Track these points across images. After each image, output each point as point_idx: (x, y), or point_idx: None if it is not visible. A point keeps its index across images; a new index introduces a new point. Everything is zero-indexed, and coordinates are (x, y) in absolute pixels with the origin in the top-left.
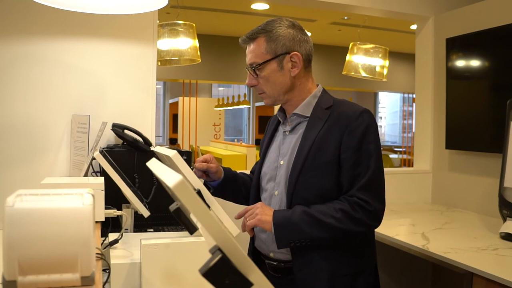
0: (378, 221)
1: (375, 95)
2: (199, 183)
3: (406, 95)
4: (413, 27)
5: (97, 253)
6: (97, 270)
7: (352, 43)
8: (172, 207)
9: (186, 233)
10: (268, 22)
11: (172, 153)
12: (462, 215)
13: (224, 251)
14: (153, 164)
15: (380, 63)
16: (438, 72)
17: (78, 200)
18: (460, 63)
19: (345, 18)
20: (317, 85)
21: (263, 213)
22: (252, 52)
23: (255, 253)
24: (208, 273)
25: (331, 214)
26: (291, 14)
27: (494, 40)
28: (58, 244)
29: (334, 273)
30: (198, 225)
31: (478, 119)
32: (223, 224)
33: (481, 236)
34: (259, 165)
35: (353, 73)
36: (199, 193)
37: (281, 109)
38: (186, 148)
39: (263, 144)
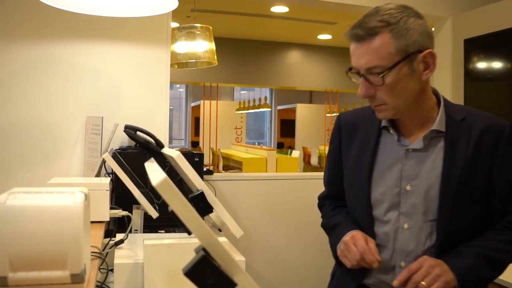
0: None
1: None
2: (202, 184)
3: None
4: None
5: (95, 252)
6: (93, 269)
7: None
8: (171, 207)
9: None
10: (384, 10)
11: (175, 154)
12: None
13: (208, 250)
14: (148, 164)
15: None
16: (456, 74)
17: (69, 198)
18: (479, 64)
19: None
20: (433, 89)
21: (443, 272)
22: (373, 52)
23: None
24: (190, 272)
25: (502, 248)
26: (311, 16)
27: None
28: (48, 241)
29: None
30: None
31: None
32: (226, 225)
33: None
34: (363, 190)
35: None
36: (201, 194)
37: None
38: (206, 151)
39: (358, 159)
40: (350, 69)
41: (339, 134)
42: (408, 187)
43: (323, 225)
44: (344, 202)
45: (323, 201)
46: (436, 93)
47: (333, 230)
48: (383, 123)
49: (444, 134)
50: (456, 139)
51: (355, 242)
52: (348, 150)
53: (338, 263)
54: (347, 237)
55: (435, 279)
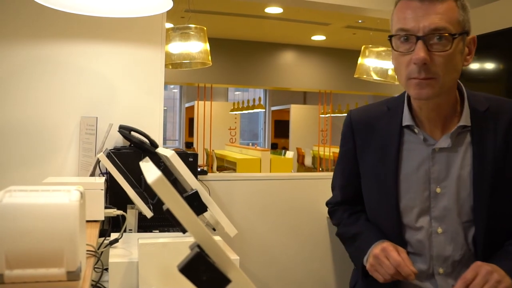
0: None
1: None
2: (196, 184)
3: None
4: None
5: (90, 251)
6: (88, 267)
7: (364, 46)
8: (165, 206)
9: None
10: None
11: (170, 153)
12: None
13: (202, 247)
14: (143, 164)
15: (392, 66)
16: None
17: (65, 196)
18: (472, 65)
19: (360, 21)
20: None
21: (502, 277)
22: (443, 13)
23: None
24: (185, 268)
25: None
26: (306, 17)
27: (509, 41)
28: (44, 239)
29: None
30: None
31: None
32: (220, 224)
33: None
34: (390, 196)
35: (365, 76)
36: (196, 193)
37: (409, 114)
38: (200, 152)
39: (380, 162)
40: (392, 36)
41: (352, 134)
42: (438, 190)
43: (339, 235)
44: (359, 207)
45: (335, 207)
46: (457, 85)
47: (354, 240)
48: (406, 122)
49: (469, 129)
50: (483, 132)
51: (386, 255)
52: (364, 151)
53: (364, 275)
54: (376, 250)
55: (494, 286)
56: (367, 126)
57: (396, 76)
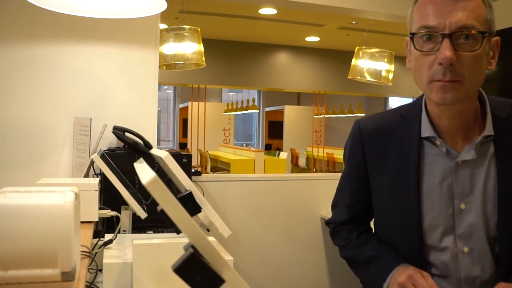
0: None
1: (385, 100)
2: (190, 184)
3: None
4: None
5: (85, 251)
6: (83, 267)
7: (357, 47)
8: (159, 207)
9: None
10: None
11: (164, 154)
12: None
13: (197, 248)
14: (137, 165)
15: (385, 67)
16: None
17: (59, 197)
18: None
19: (353, 22)
20: None
21: None
22: (471, 10)
23: None
24: (179, 269)
25: None
26: (299, 18)
27: (502, 43)
28: (39, 239)
29: None
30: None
31: None
32: (214, 225)
33: None
34: (412, 215)
35: (358, 78)
36: (190, 194)
37: (429, 123)
38: (194, 153)
39: (398, 177)
40: (413, 34)
41: (361, 146)
42: (462, 206)
43: (347, 257)
44: (365, 227)
45: (339, 227)
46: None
47: (367, 264)
48: (426, 133)
49: (493, 138)
50: (507, 141)
51: (414, 283)
52: (378, 165)
53: None
54: (402, 278)
55: None
56: (379, 137)
57: (389, 77)
